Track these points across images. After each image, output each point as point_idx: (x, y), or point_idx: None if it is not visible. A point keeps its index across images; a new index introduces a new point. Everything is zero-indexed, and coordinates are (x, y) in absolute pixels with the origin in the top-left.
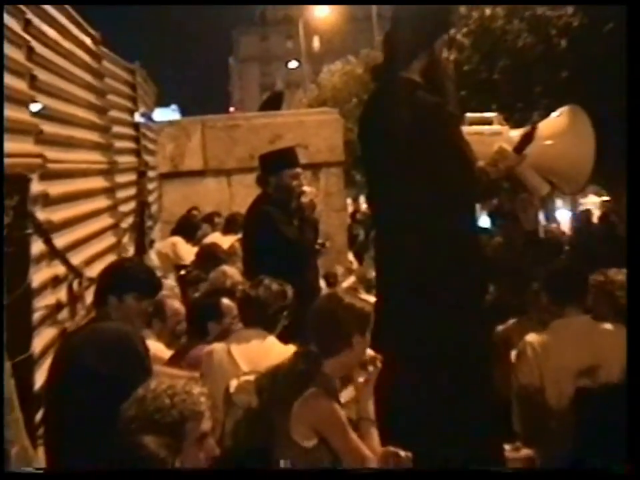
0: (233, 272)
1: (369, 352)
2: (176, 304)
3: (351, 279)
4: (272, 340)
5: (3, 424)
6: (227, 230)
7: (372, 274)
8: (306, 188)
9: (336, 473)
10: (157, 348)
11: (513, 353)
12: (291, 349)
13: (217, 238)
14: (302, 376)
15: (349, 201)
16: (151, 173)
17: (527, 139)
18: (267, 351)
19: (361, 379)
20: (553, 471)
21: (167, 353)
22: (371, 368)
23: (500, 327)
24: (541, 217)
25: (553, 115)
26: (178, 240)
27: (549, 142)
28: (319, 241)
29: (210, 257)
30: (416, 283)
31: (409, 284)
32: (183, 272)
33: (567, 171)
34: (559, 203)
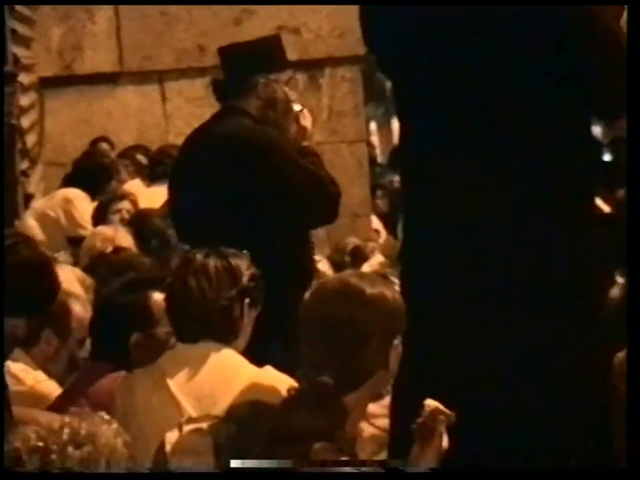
0: (118, 232)
1: (433, 404)
2: (77, 307)
3: (376, 259)
4: (232, 358)
5: (2, 424)
6: (153, 175)
7: None
8: (299, 105)
9: (338, 475)
10: (36, 378)
11: None
12: (268, 372)
13: (138, 188)
14: (307, 428)
15: (372, 126)
16: (24, 78)
17: None
18: (228, 379)
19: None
20: (553, 471)
21: (53, 387)
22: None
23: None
24: None
25: None
26: (75, 194)
27: None
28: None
29: (134, 222)
30: (476, 272)
31: (462, 272)
32: (108, 250)
33: None
34: None
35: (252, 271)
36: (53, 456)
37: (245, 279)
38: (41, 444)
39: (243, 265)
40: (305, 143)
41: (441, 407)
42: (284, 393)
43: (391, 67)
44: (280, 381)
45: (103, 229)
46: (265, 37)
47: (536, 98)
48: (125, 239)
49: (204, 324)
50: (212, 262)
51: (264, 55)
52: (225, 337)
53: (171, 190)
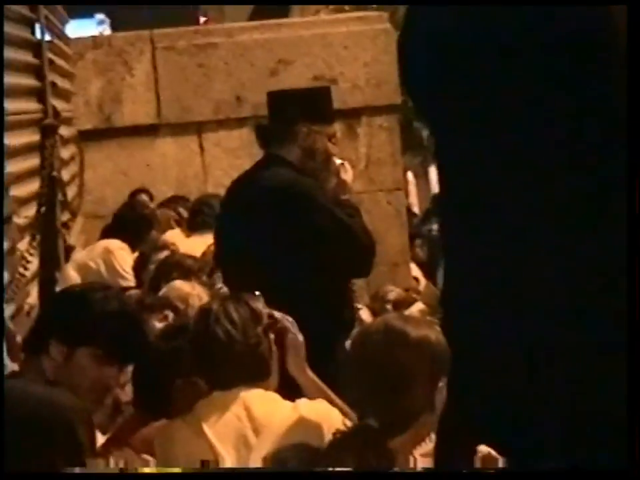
0: (195, 290)
1: (485, 449)
2: None
3: (417, 306)
4: (267, 399)
5: (2, 424)
6: (193, 225)
7: None
8: (340, 160)
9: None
10: None
11: None
12: (306, 407)
13: (178, 238)
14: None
15: (409, 175)
16: (64, 130)
17: None
18: (266, 424)
19: None
20: (553, 471)
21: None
22: None
23: None
24: None
25: None
26: (116, 245)
27: None
28: None
29: (173, 271)
30: (519, 315)
31: (505, 316)
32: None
33: None
34: None
35: (268, 310)
36: None
37: (264, 317)
38: None
39: (260, 304)
40: (345, 197)
41: (494, 452)
42: (324, 425)
43: (429, 115)
44: (319, 413)
45: (181, 284)
46: (315, 86)
47: (578, 133)
48: (202, 297)
49: (235, 367)
50: (231, 306)
51: (310, 104)
52: (258, 377)
53: (216, 236)
